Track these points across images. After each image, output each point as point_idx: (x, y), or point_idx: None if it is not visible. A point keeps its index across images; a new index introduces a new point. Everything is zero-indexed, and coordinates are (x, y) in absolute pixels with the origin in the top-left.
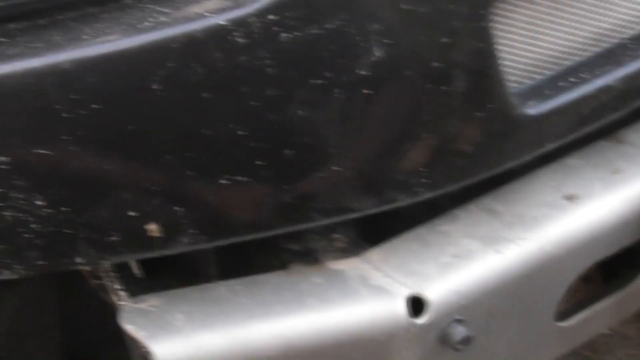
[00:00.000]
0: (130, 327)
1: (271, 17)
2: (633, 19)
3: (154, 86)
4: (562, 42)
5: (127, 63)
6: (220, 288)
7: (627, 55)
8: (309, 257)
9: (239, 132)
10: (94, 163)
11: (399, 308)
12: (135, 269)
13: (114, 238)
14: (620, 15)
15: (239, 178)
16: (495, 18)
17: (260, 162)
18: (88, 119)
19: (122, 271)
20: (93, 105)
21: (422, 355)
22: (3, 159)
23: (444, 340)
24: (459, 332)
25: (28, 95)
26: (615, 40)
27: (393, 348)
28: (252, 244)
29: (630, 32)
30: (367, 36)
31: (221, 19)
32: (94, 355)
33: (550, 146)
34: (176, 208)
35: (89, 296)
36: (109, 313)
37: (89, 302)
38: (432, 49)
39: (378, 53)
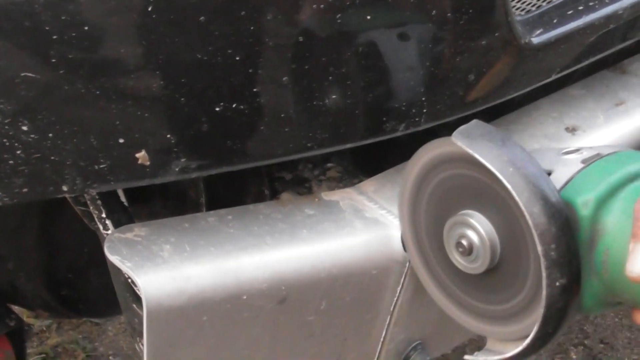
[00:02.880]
0: (116, 258)
1: None
2: None
3: (149, 7)
4: None
5: None
6: (210, 218)
7: None
8: (302, 186)
9: (237, 58)
10: (83, 88)
11: (394, 241)
12: (123, 197)
13: (102, 166)
14: None
15: (233, 105)
16: None
17: (255, 89)
18: (79, 41)
19: (109, 199)
20: (84, 27)
21: (415, 289)
22: None
23: None
24: None
25: (17, 16)
26: None
27: (387, 282)
28: (244, 172)
29: None
30: None
31: None
32: (75, 279)
33: (556, 76)
34: (167, 135)
35: (72, 220)
36: (92, 237)
37: (71, 225)
38: None
39: None
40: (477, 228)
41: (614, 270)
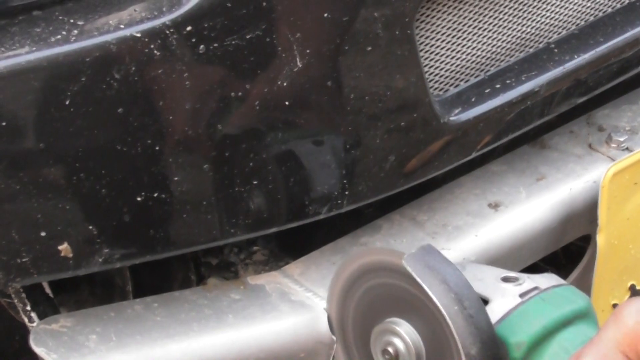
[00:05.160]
0: (41, 350)
1: (189, 28)
2: (557, 23)
3: (66, 101)
4: (486, 47)
5: (37, 77)
6: (136, 306)
7: (552, 60)
8: (229, 271)
9: (156, 148)
10: (2, 182)
11: (320, 324)
12: (47, 289)
13: (24, 259)
14: (544, 20)
15: (155, 195)
16: (419, 25)
17: (177, 179)
18: None
19: (33, 291)
20: (2, 123)
21: None
22: None
23: None
24: None
25: None
26: (540, 45)
27: None
28: (169, 258)
29: (554, 36)
30: (290, 46)
31: (135, 31)
32: None
33: (476, 154)
34: (89, 227)
35: (1, 309)
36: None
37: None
38: (356, 58)
39: (300, 63)
40: (404, 337)
41: None
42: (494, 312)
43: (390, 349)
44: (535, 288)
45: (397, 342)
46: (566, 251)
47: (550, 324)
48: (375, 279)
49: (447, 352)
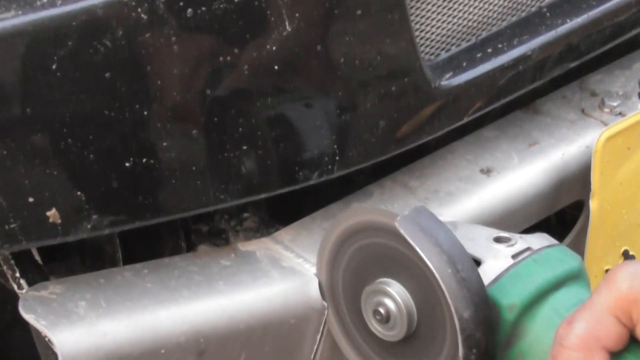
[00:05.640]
0: (30, 316)
1: None
2: None
3: (53, 66)
4: (478, 11)
5: (23, 42)
6: (126, 273)
7: (544, 24)
8: (219, 238)
9: (144, 113)
10: None
11: (311, 290)
12: (37, 256)
13: (12, 226)
14: None
15: (144, 161)
16: None
17: (166, 144)
18: None
19: (22, 258)
20: None
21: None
22: None
23: None
24: None
25: None
26: (533, 9)
27: (306, 331)
28: (159, 225)
29: (547, 0)
30: (279, 10)
31: None
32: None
33: (467, 119)
34: (77, 193)
35: None
36: (15, 295)
37: None
38: (345, 23)
39: (289, 27)
40: (395, 297)
41: None
42: (486, 273)
43: (382, 310)
44: (528, 249)
45: (388, 302)
46: (560, 219)
47: (543, 286)
48: (364, 239)
49: (439, 312)
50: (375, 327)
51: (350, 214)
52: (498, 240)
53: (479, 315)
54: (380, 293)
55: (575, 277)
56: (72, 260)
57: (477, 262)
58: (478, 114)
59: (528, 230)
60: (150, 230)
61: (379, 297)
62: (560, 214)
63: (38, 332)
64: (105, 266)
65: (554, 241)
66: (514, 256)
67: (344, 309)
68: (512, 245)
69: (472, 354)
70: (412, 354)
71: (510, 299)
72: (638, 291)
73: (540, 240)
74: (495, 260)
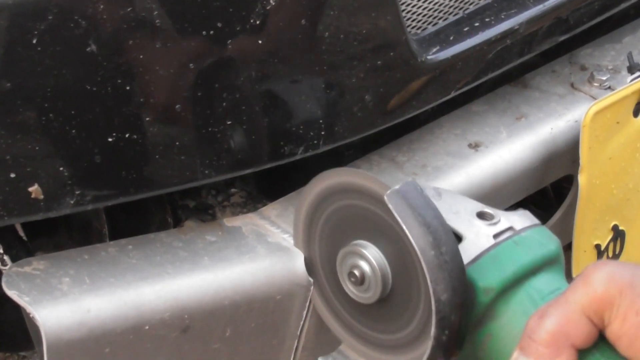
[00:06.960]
0: (13, 293)
1: None
2: None
3: (33, 40)
4: None
5: (3, 16)
6: (110, 248)
7: None
8: (206, 213)
9: (127, 88)
10: None
11: (297, 266)
12: (21, 232)
13: None
14: None
15: (126, 135)
16: None
17: (149, 119)
18: None
19: (6, 234)
20: None
21: None
22: None
23: None
24: None
25: None
26: None
27: (292, 307)
28: (146, 200)
29: None
30: None
31: None
32: None
33: (455, 93)
34: (59, 168)
35: None
36: None
37: None
38: None
39: (273, 1)
40: (370, 259)
41: (490, 354)
42: (467, 251)
43: (357, 272)
44: (510, 229)
45: (363, 264)
46: (556, 193)
47: (520, 271)
48: (344, 200)
49: (414, 281)
50: (350, 289)
51: (325, 175)
52: (481, 216)
53: (456, 299)
54: (356, 255)
55: (553, 261)
56: (59, 236)
57: (459, 238)
58: (465, 88)
59: (520, 204)
60: (138, 205)
61: (354, 259)
62: (557, 187)
63: (24, 310)
64: (93, 242)
65: (535, 220)
66: (495, 236)
67: (321, 275)
68: (495, 224)
69: (444, 334)
70: (387, 317)
71: (487, 282)
72: (613, 294)
73: (522, 219)
74: (477, 238)
